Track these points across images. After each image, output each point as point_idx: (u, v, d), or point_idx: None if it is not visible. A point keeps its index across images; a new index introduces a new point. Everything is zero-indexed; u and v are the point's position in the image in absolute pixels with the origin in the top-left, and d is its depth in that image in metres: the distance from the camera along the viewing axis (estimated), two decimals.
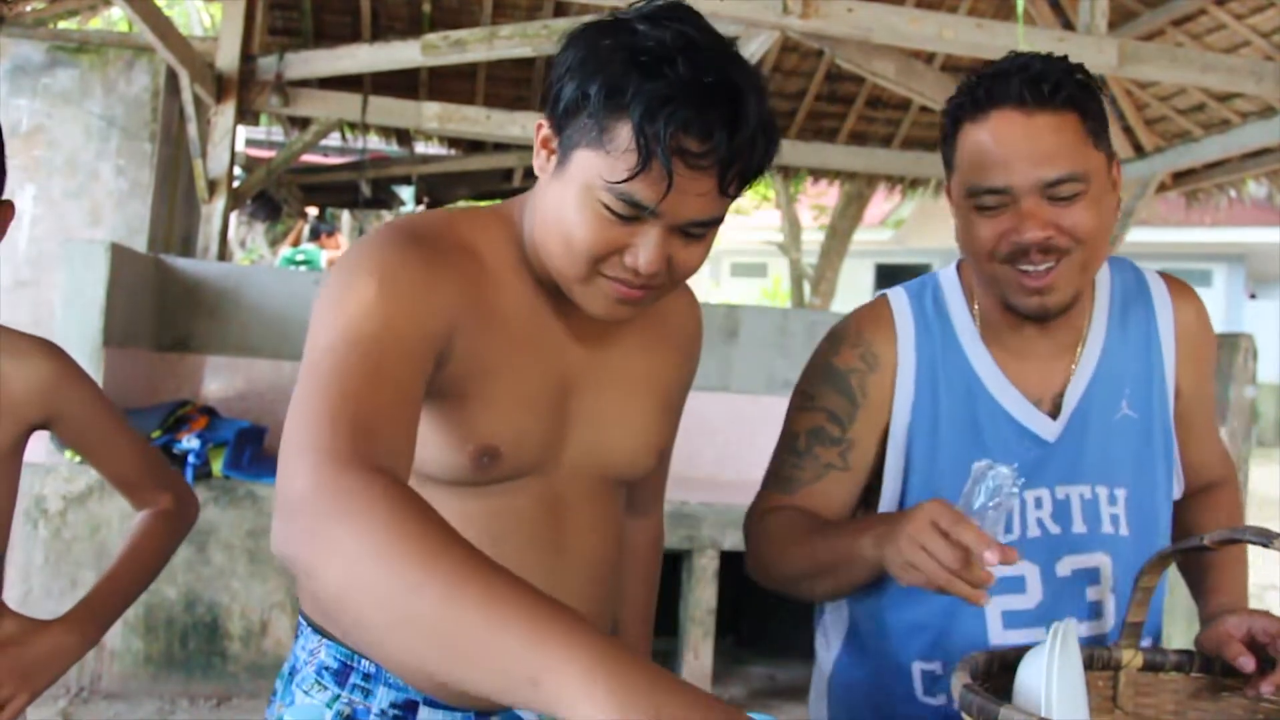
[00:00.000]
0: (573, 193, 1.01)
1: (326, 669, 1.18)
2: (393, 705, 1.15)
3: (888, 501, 1.35)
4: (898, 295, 1.40)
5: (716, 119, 0.95)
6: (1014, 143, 1.20)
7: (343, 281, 0.99)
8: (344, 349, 0.92)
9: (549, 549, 1.16)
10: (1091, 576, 1.32)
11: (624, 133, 0.95)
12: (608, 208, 0.99)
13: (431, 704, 1.15)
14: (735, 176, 1.00)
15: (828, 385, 1.36)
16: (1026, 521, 1.30)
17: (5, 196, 1.29)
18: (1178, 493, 1.41)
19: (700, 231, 1.03)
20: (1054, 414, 1.33)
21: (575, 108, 0.99)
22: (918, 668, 1.34)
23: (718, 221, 1.04)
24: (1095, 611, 1.33)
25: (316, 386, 0.89)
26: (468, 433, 1.07)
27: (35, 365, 1.31)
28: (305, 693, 1.18)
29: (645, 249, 1.01)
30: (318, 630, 1.20)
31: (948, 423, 1.33)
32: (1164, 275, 1.43)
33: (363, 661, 1.16)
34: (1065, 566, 1.31)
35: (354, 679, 1.16)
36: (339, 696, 1.16)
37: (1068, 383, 1.34)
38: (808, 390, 1.39)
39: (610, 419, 1.18)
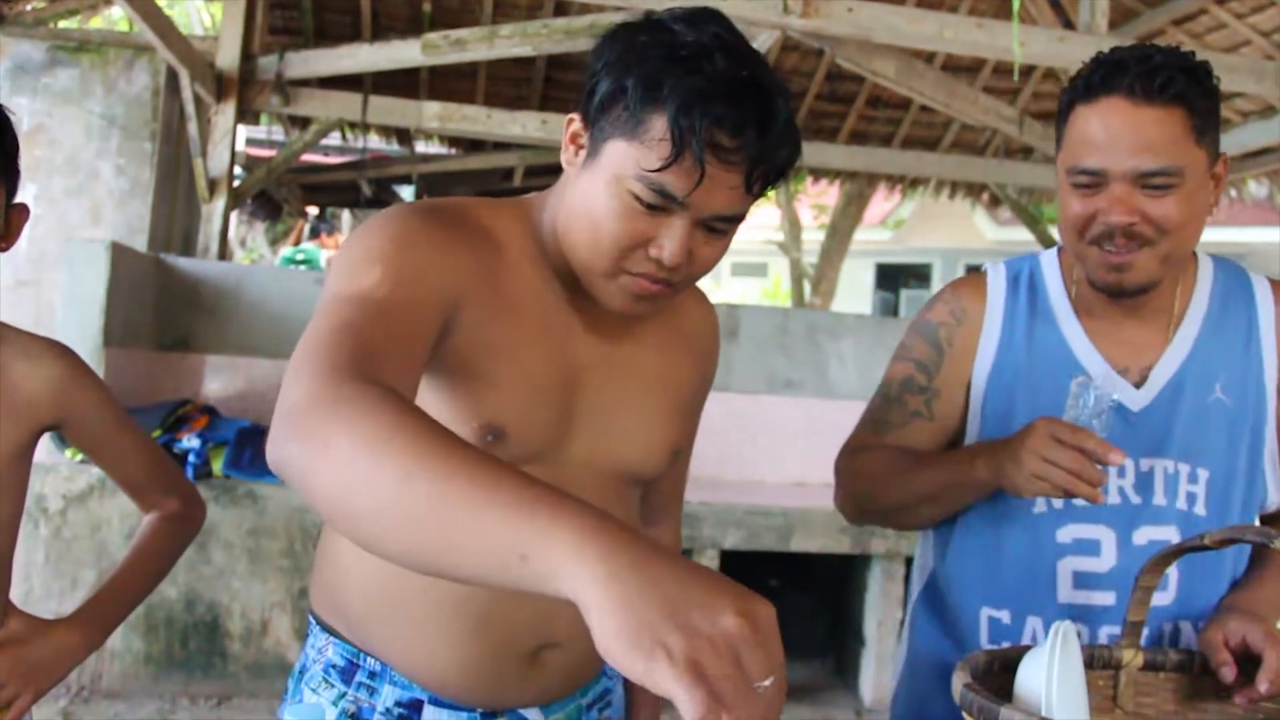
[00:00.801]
0: (602, 183, 1.03)
1: (334, 667, 1.19)
2: (398, 704, 1.16)
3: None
4: (995, 267, 1.50)
5: (749, 116, 0.99)
6: (1116, 130, 1.25)
7: (360, 243, 1.03)
8: (354, 296, 0.96)
9: None
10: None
11: (659, 124, 0.98)
12: (637, 198, 1.01)
13: (436, 702, 1.16)
14: (761, 175, 1.03)
15: (919, 337, 1.48)
16: (1108, 489, 1.33)
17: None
18: (1275, 498, 1.40)
19: (723, 227, 1.06)
20: (1139, 385, 1.38)
21: (611, 100, 1.02)
22: (985, 614, 1.39)
23: (740, 219, 1.07)
24: (1163, 584, 1.35)
25: (322, 323, 0.92)
26: (474, 409, 1.08)
27: (47, 366, 1.31)
28: (313, 690, 1.19)
29: (670, 240, 1.03)
30: (326, 629, 1.21)
31: (1028, 381, 1.40)
32: (1270, 279, 1.46)
33: (368, 660, 1.17)
34: (1142, 536, 1.35)
35: (360, 677, 1.17)
36: (345, 694, 1.17)
37: (1159, 358, 1.39)
38: (904, 343, 1.51)
39: (619, 413, 1.19)
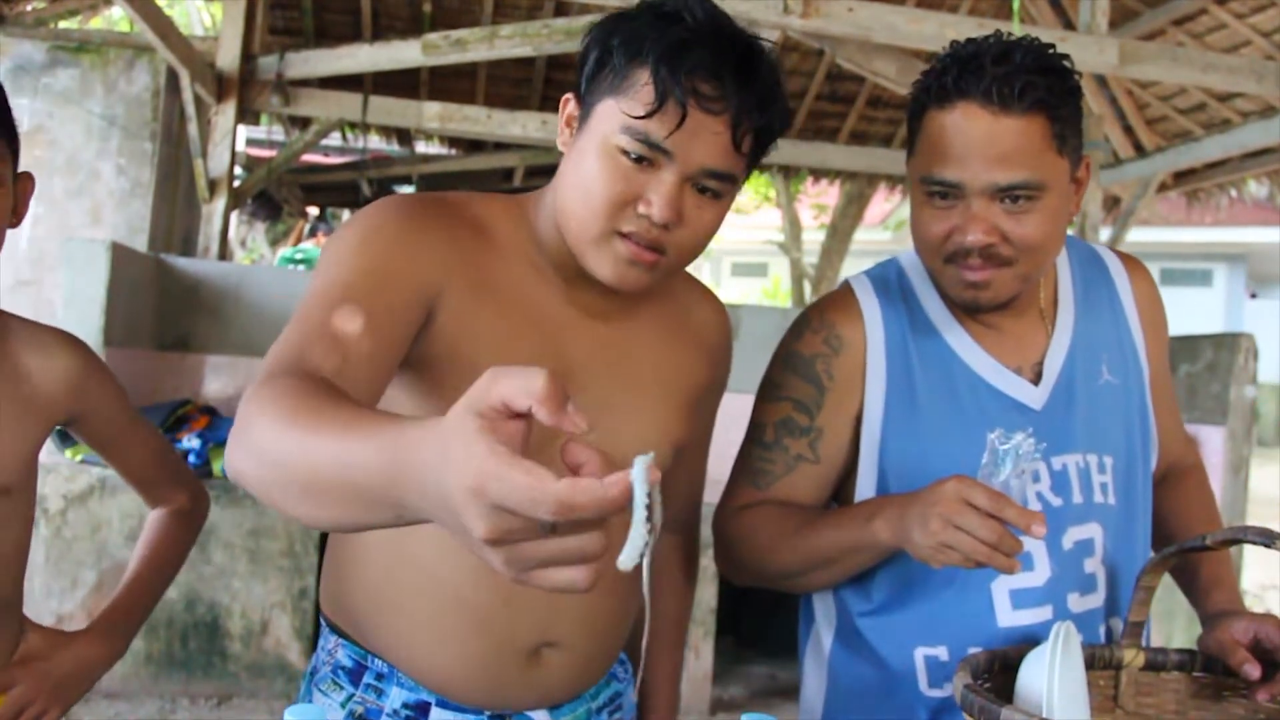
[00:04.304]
0: (592, 145, 1.05)
1: (342, 668, 1.19)
2: (405, 705, 1.16)
3: (865, 486, 1.32)
4: (860, 280, 1.39)
5: (728, 66, 1.02)
6: (973, 141, 1.17)
7: (335, 241, 1.06)
8: (319, 291, 0.98)
9: None
10: (1088, 548, 1.31)
11: (642, 76, 1.02)
12: (624, 152, 1.03)
13: (444, 705, 1.16)
14: (747, 130, 1.04)
15: (793, 373, 1.35)
16: (1026, 496, 1.27)
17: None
18: (1153, 463, 1.40)
19: (713, 187, 1.06)
20: (1034, 381, 1.32)
21: (598, 66, 1.06)
22: (920, 654, 1.29)
23: (731, 179, 1.07)
24: (1091, 584, 1.31)
25: (288, 327, 0.95)
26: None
27: (61, 359, 1.26)
28: (323, 692, 1.19)
29: (659, 194, 1.03)
30: (335, 630, 1.21)
31: (927, 400, 1.30)
32: (1114, 250, 1.45)
33: (376, 661, 1.17)
34: (1069, 539, 1.29)
35: (367, 678, 1.17)
36: (353, 696, 1.17)
37: (1046, 351, 1.33)
38: (773, 380, 1.37)
39: (616, 409, 1.16)
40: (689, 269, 1.24)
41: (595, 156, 1.05)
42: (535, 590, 1.17)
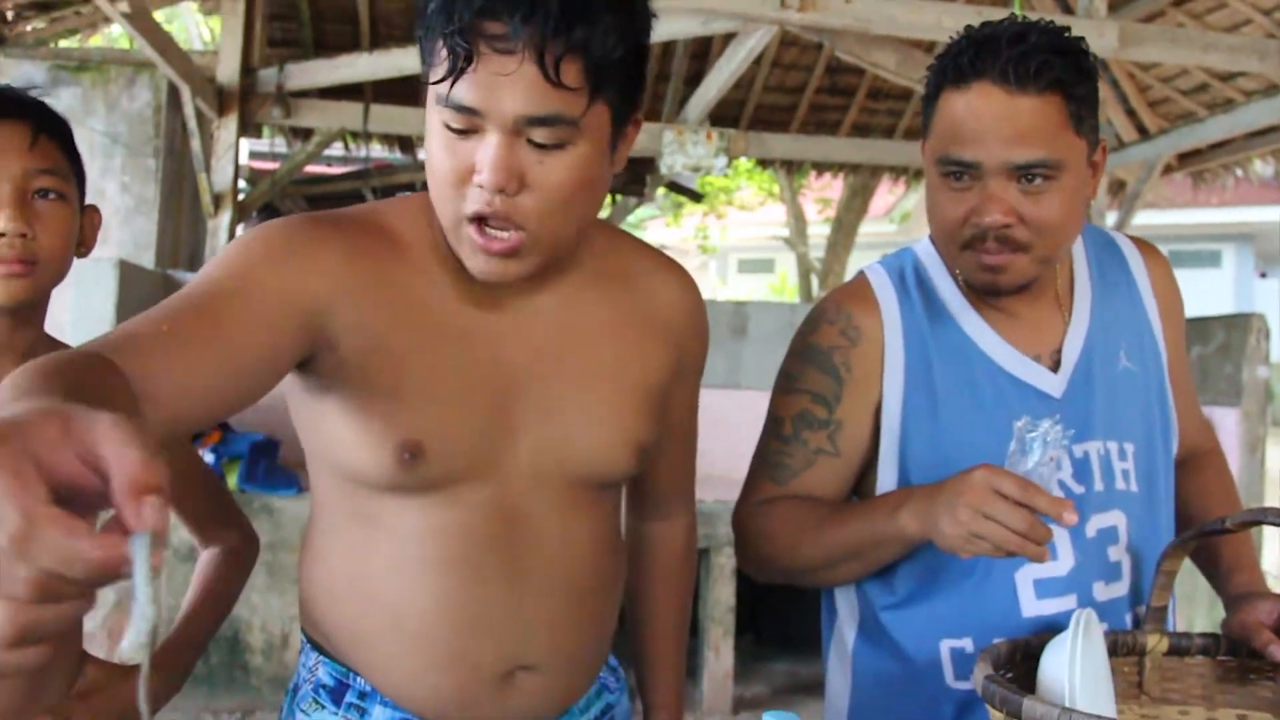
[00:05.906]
0: (430, 132, 1.00)
1: (323, 687, 1.14)
2: None
3: (886, 478, 1.31)
4: (875, 270, 1.37)
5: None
6: (990, 120, 1.16)
7: (221, 250, 1.01)
8: (175, 296, 0.93)
9: (507, 573, 1.08)
10: (1111, 536, 1.30)
11: (438, 44, 0.96)
12: (446, 126, 0.97)
13: None
14: (559, 59, 0.92)
15: (810, 365, 1.32)
16: (1049, 485, 1.24)
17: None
18: (1174, 450, 1.39)
19: (549, 137, 0.95)
20: (1053, 369, 1.31)
21: (421, 55, 1.01)
22: (946, 646, 1.28)
23: (564, 121, 0.95)
24: (1116, 572, 1.30)
25: None
26: (387, 427, 1.02)
27: None
28: (304, 712, 1.15)
29: (482, 158, 0.95)
30: (316, 647, 1.17)
31: (945, 390, 1.29)
32: (1130, 235, 1.44)
33: (359, 680, 1.12)
34: (1091, 527, 1.28)
35: (349, 698, 1.13)
36: (335, 715, 1.13)
37: (1064, 338, 1.32)
38: (790, 372, 1.35)
39: (570, 414, 1.09)
40: (654, 245, 1.18)
41: (430, 140, 0.99)
42: (500, 615, 1.08)
